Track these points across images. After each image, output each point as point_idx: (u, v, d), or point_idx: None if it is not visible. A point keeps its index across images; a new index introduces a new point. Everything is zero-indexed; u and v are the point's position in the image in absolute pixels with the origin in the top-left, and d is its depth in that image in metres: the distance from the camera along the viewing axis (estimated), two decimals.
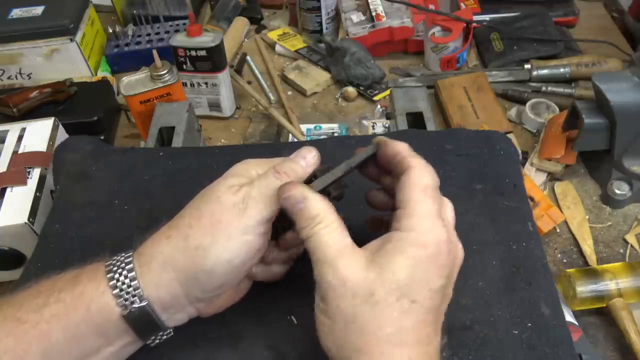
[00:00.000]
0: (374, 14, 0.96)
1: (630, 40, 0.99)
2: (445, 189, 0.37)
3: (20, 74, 0.97)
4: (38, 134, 0.72)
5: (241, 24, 1.07)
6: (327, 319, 0.32)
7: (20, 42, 0.93)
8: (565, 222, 0.70)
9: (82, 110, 0.84)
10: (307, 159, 0.38)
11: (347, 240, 0.33)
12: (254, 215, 0.35)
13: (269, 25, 1.10)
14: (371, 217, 0.42)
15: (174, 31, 1.02)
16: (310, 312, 0.34)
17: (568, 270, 0.62)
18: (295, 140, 0.81)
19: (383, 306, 0.31)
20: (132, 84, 0.74)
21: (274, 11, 1.15)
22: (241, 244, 0.35)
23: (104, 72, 0.99)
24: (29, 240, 0.62)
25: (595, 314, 0.60)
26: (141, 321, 0.36)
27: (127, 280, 0.35)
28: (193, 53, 0.80)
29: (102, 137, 0.83)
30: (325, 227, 0.33)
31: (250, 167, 0.39)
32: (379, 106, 0.89)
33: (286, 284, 0.41)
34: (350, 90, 0.92)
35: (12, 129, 0.73)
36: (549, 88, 0.89)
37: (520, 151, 0.72)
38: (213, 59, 0.81)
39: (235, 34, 1.05)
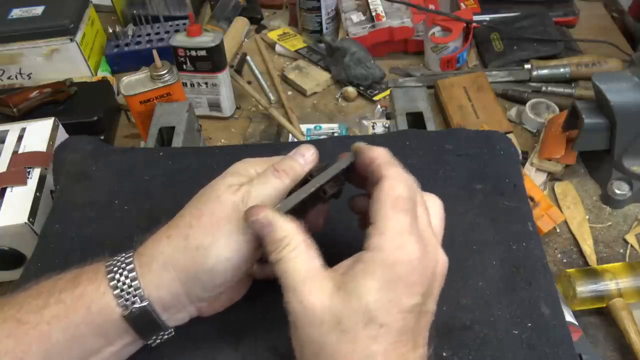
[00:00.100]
0: (374, 14, 0.96)
1: (630, 40, 0.99)
2: (445, 189, 0.37)
3: (20, 74, 0.97)
4: (38, 134, 0.72)
5: (241, 24, 1.07)
6: (298, 346, 0.32)
7: (20, 42, 0.93)
8: (565, 222, 0.70)
9: (82, 110, 0.84)
10: (306, 157, 0.38)
11: (315, 263, 0.32)
12: None
13: (269, 25, 1.10)
14: (359, 220, 0.42)
15: (174, 31, 1.02)
16: None
17: (568, 270, 0.62)
18: (295, 140, 0.81)
19: (351, 333, 0.30)
20: (132, 84, 0.74)
21: (274, 11, 1.15)
22: (241, 242, 0.35)
23: (104, 72, 0.99)
24: (29, 240, 0.62)
25: (595, 314, 0.60)
26: (142, 321, 0.36)
27: (127, 281, 0.35)
28: (193, 53, 0.80)
29: (102, 137, 0.83)
30: (292, 250, 0.32)
31: (249, 166, 0.39)
32: (379, 106, 0.89)
33: None
34: (350, 90, 0.92)
35: (12, 129, 0.73)
36: (549, 88, 0.89)
37: (520, 151, 0.72)
38: (213, 59, 0.81)
39: (235, 34, 1.05)
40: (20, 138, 0.71)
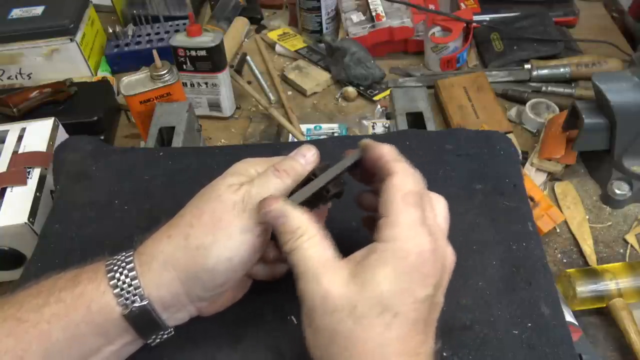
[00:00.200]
0: (374, 14, 0.96)
1: (630, 40, 0.99)
2: (445, 189, 0.37)
3: (20, 74, 0.97)
4: (38, 134, 0.72)
5: (241, 24, 1.07)
6: (312, 333, 0.32)
7: (20, 42, 0.93)
8: (565, 222, 0.70)
9: (82, 110, 0.84)
10: (307, 157, 0.38)
11: (329, 252, 0.33)
12: (254, 214, 0.35)
13: (269, 25, 1.10)
14: (365, 217, 0.42)
15: (174, 31, 1.02)
16: None
17: (568, 270, 0.62)
18: (295, 140, 0.81)
19: (365, 321, 0.30)
20: (132, 84, 0.74)
21: (274, 11, 1.15)
22: (241, 242, 0.35)
23: (104, 72, 0.99)
24: (29, 240, 0.62)
25: (595, 314, 0.60)
26: (142, 320, 0.36)
27: (127, 280, 0.35)
28: (193, 53, 0.80)
29: (102, 137, 0.83)
30: (307, 240, 0.33)
31: (250, 166, 0.39)
32: (379, 106, 0.89)
33: (287, 284, 0.41)
34: (350, 90, 0.92)
35: (12, 129, 0.73)
36: (549, 88, 0.89)
37: (520, 151, 0.72)
38: (213, 59, 0.81)
39: (235, 34, 1.05)
40: (20, 138, 0.71)
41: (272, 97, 0.93)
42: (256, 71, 0.98)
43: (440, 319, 0.34)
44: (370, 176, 0.38)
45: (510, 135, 0.78)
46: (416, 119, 0.65)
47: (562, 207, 0.71)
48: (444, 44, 0.93)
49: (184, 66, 0.82)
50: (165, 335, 0.38)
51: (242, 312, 0.41)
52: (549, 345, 0.40)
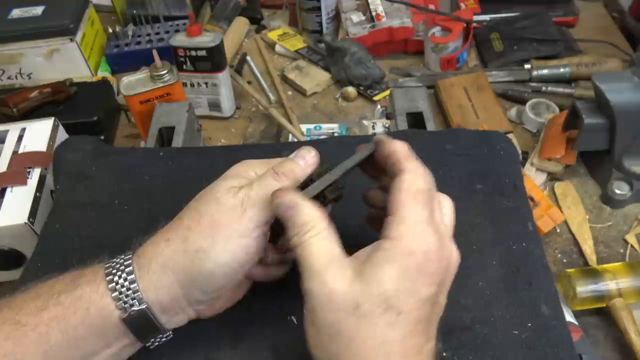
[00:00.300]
0: (374, 14, 0.96)
1: (630, 40, 0.99)
2: (445, 189, 0.37)
3: (20, 74, 0.97)
4: (38, 134, 0.72)
5: (241, 24, 1.07)
6: (315, 330, 0.32)
7: (20, 42, 0.93)
8: (565, 222, 0.70)
9: (82, 110, 0.84)
10: (307, 159, 0.38)
11: (336, 249, 0.33)
12: (252, 217, 0.35)
13: (269, 25, 1.10)
14: (368, 215, 0.42)
15: (174, 31, 1.02)
16: None
17: (568, 270, 0.62)
18: (295, 140, 0.81)
19: (369, 319, 0.30)
20: (132, 84, 0.74)
21: (274, 11, 1.15)
22: (240, 245, 0.35)
23: (104, 72, 0.99)
24: (29, 240, 0.62)
25: (595, 314, 0.60)
26: (140, 324, 0.36)
27: (126, 283, 0.35)
28: (193, 53, 0.80)
29: (102, 137, 0.83)
30: (315, 235, 0.33)
31: (249, 168, 0.39)
32: (379, 106, 0.89)
33: (286, 284, 0.41)
34: (350, 90, 0.92)
35: (12, 129, 0.73)
36: (549, 88, 0.89)
37: (520, 151, 0.72)
38: (213, 59, 0.81)
39: (235, 34, 1.05)
40: (20, 138, 0.71)
41: (272, 97, 0.93)
42: (256, 71, 0.98)
43: (440, 319, 0.34)
44: (379, 172, 0.39)
45: (510, 135, 0.78)
46: (416, 119, 0.65)
47: (562, 207, 0.71)
48: (444, 44, 0.93)
49: (184, 66, 0.82)
50: (164, 339, 0.38)
51: (242, 313, 0.41)
52: (549, 345, 0.40)
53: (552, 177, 0.76)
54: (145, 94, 0.73)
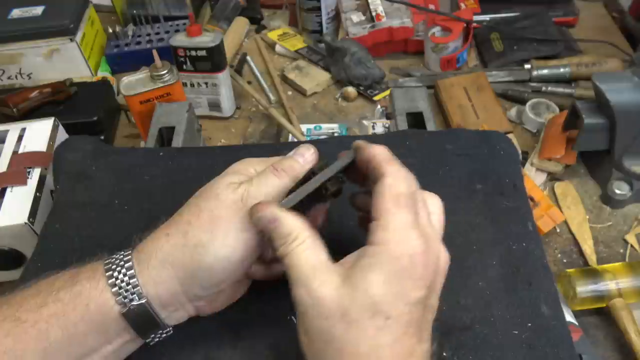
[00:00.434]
0: (374, 14, 0.96)
1: (630, 40, 0.99)
2: (445, 189, 0.37)
3: (20, 74, 0.97)
4: (38, 134, 0.72)
5: (241, 24, 1.07)
6: (306, 338, 0.32)
7: (20, 42, 0.93)
8: (565, 222, 0.70)
9: (82, 110, 0.84)
10: (306, 157, 0.38)
11: (322, 256, 0.33)
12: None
13: (269, 25, 1.10)
14: (359, 217, 0.42)
15: (174, 31, 1.02)
16: None
17: (568, 270, 0.62)
18: (295, 140, 0.81)
19: (358, 325, 0.30)
20: (132, 84, 0.74)
21: (274, 11, 1.15)
22: (239, 241, 0.35)
23: (104, 72, 0.99)
24: (29, 240, 0.62)
25: (595, 314, 0.60)
26: (140, 319, 0.36)
27: (126, 278, 0.35)
28: (193, 53, 0.80)
29: (102, 137, 0.83)
30: (299, 245, 0.33)
31: (249, 165, 0.39)
32: (379, 106, 0.89)
33: (286, 283, 0.41)
34: (350, 90, 0.92)
35: (12, 129, 0.73)
36: (549, 88, 0.89)
37: (520, 151, 0.72)
38: (213, 59, 0.81)
39: (235, 34, 1.05)
40: (20, 138, 0.71)
41: (272, 97, 0.93)
42: (256, 71, 0.98)
43: (440, 319, 0.34)
44: (364, 177, 0.38)
45: (510, 135, 0.78)
46: (416, 119, 0.65)
47: (562, 207, 0.71)
48: (444, 44, 0.93)
49: (184, 66, 0.82)
50: (164, 335, 0.38)
51: (242, 311, 0.41)
52: (549, 345, 0.40)
53: (552, 177, 0.76)
54: (145, 94, 0.73)
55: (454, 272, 0.37)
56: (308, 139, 0.81)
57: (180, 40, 0.80)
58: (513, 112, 0.86)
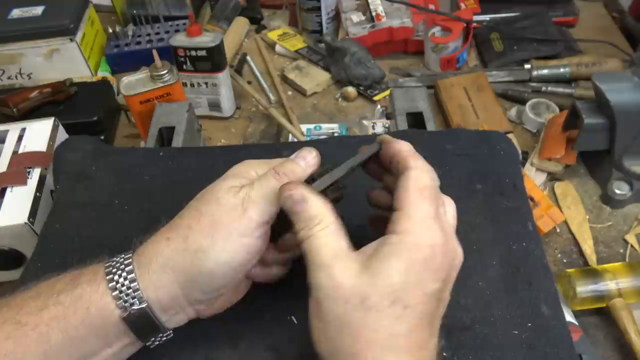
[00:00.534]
0: (374, 14, 0.96)
1: (630, 40, 0.99)
2: (445, 189, 0.37)
3: (20, 74, 0.97)
4: (38, 134, 0.72)
5: (241, 24, 1.07)
6: (321, 323, 0.32)
7: (20, 42, 0.93)
8: (565, 222, 0.70)
9: (82, 110, 0.84)
10: (307, 160, 0.38)
11: (343, 243, 0.33)
12: (253, 217, 0.35)
13: (269, 25, 1.10)
14: (372, 216, 0.42)
15: (174, 31, 1.02)
16: None
17: (568, 270, 0.62)
18: (295, 140, 0.81)
19: (376, 311, 0.30)
20: (132, 84, 0.74)
21: (274, 11, 1.15)
22: (240, 245, 0.35)
23: (104, 72, 0.99)
24: (29, 240, 0.62)
25: (595, 314, 0.60)
26: (141, 323, 0.36)
27: (126, 282, 0.35)
28: (193, 53, 0.80)
29: (102, 137, 0.83)
30: (322, 229, 0.33)
31: (250, 168, 0.39)
32: (379, 106, 0.89)
33: (286, 284, 0.41)
34: (350, 90, 0.92)
35: (12, 129, 0.73)
36: (549, 88, 0.89)
37: (520, 151, 0.72)
38: (213, 59, 0.81)
39: (235, 34, 1.05)
40: (20, 138, 0.71)
41: (272, 97, 0.93)
42: (256, 71, 0.98)
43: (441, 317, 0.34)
44: (382, 172, 0.39)
45: (510, 135, 0.78)
46: (416, 119, 0.65)
47: (562, 207, 0.71)
48: (444, 44, 0.93)
49: (184, 66, 0.82)
50: (164, 338, 0.38)
51: (242, 313, 0.41)
52: (549, 345, 0.40)
53: (552, 177, 0.76)
54: (145, 94, 0.73)
55: None
56: (308, 139, 0.81)
57: (180, 40, 0.80)
58: (513, 112, 0.86)
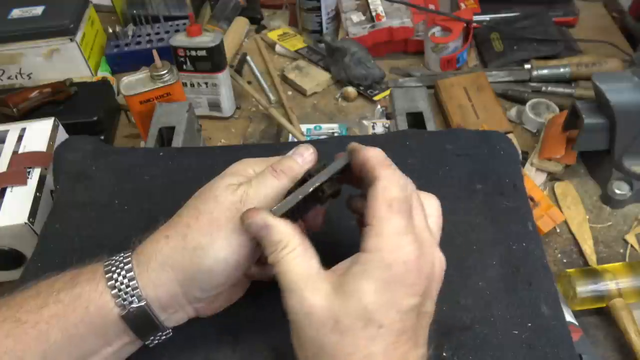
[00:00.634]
0: (374, 14, 0.96)
1: (630, 40, 0.99)
2: (445, 189, 0.37)
3: (20, 74, 0.97)
4: (38, 134, 0.72)
5: (241, 24, 1.07)
6: (299, 348, 0.32)
7: (20, 42, 0.93)
8: (565, 222, 0.70)
9: (82, 110, 0.84)
10: (304, 157, 0.38)
11: (313, 264, 0.32)
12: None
13: (269, 25, 1.10)
14: (357, 219, 0.42)
15: (174, 31, 1.02)
16: None
17: (568, 270, 0.62)
18: (295, 140, 0.81)
19: (350, 334, 0.30)
20: (132, 84, 0.74)
21: (274, 11, 1.15)
22: (239, 243, 0.35)
23: (104, 72, 0.99)
24: (29, 240, 0.62)
25: (595, 314, 0.60)
26: (140, 321, 0.36)
27: (125, 280, 0.35)
28: (193, 53, 0.80)
29: (102, 137, 0.83)
30: (290, 252, 0.32)
31: (248, 166, 0.39)
32: (379, 106, 0.89)
33: None
34: (350, 90, 0.92)
35: (12, 129, 0.73)
36: (549, 88, 0.89)
37: (520, 151, 0.72)
38: (213, 59, 0.81)
39: (235, 34, 1.05)
40: (20, 138, 0.71)
41: (272, 97, 0.93)
42: (256, 71, 0.98)
43: (440, 319, 0.34)
44: (359, 180, 0.38)
45: (510, 135, 0.78)
46: (416, 119, 0.65)
47: (562, 207, 0.71)
48: (444, 44, 0.93)
49: (184, 66, 0.82)
50: (164, 337, 0.38)
51: (241, 312, 0.41)
52: (549, 345, 0.40)
53: (552, 177, 0.76)
54: (145, 94, 0.73)
55: (454, 272, 0.37)
56: (308, 139, 0.81)
57: (180, 40, 0.80)
58: (513, 112, 0.86)
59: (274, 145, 0.78)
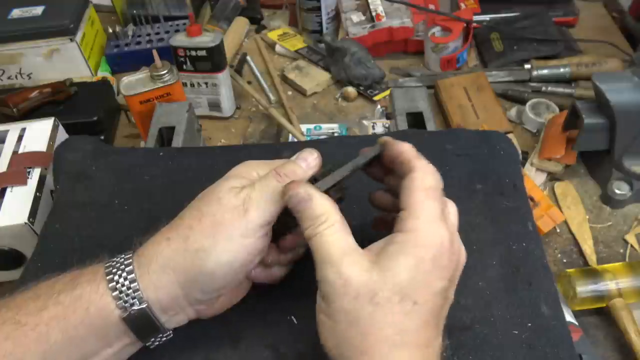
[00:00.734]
0: (374, 14, 0.96)
1: (630, 40, 0.99)
2: (445, 189, 0.37)
3: (20, 74, 0.97)
4: (38, 134, 0.72)
5: (241, 24, 1.07)
6: (329, 320, 0.32)
7: (20, 42, 0.93)
8: (565, 222, 0.70)
9: (82, 110, 0.84)
10: (309, 162, 0.38)
11: (350, 240, 0.33)
12: (254, 217, 0.35)
13: (269, 25, 1.10)
14: (375, 218, 0.42)
15: (174, 31, 1.02)
16: (310, 312, 0.34)
17: (568, 270, 0.62)
18: (295, 140, 0.81)
19: (385, 307, 0.31)
20: (132, 84, 0.74)
21: (274, 11, 1.15)
22: (241, 246, 0.35)
23: (104, 72, 0.99)
24: (29, 240, 0.62)
25: (595, 314, 0.60)
26: (140, 323, 0.36)
27: (126, 282, 0.35)
28: (193, 53, 0.80)
29: (102, 137, 0.83)
30: (329, 227, 0.33)
31: (252, 169, 0.39)
32: (379, 106, 0.89)
33: (286, 285, 0.41)
34: (350, 90, 0.92)
35: (12, 129, 0.73)
36: (549, 88, 0.89)
37: (520, 151, 0.72)
38: (213, 59, 0.81)
39: (235, 34, 1.05)
40: (20, 138, 0.71)
41: (272, 97, 0.93)
42: (256, 71, 0.98)
43: None
44: (384, 173, 0.40)
45: (510, 135, 0.78)
46: (416, 119, 0.65)
47: (562, 207, 0.71)
48: (444, 44, 0.93)
49: (184, 66, 0.82)
50: (164, 338, 0.38)
51: (241, 313, 0.41)
52: (549, 345, 0.40)
53: (552, 177, 0.76)
54: (145, 94, 0.73)
55: None
56: (308, 139, 0.81)
57: (180, 40, 0.80)
58: (513, 112, 0.86)
59: (274, 145, 0.78)
